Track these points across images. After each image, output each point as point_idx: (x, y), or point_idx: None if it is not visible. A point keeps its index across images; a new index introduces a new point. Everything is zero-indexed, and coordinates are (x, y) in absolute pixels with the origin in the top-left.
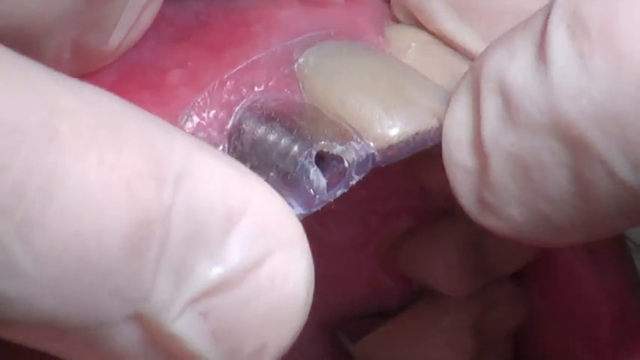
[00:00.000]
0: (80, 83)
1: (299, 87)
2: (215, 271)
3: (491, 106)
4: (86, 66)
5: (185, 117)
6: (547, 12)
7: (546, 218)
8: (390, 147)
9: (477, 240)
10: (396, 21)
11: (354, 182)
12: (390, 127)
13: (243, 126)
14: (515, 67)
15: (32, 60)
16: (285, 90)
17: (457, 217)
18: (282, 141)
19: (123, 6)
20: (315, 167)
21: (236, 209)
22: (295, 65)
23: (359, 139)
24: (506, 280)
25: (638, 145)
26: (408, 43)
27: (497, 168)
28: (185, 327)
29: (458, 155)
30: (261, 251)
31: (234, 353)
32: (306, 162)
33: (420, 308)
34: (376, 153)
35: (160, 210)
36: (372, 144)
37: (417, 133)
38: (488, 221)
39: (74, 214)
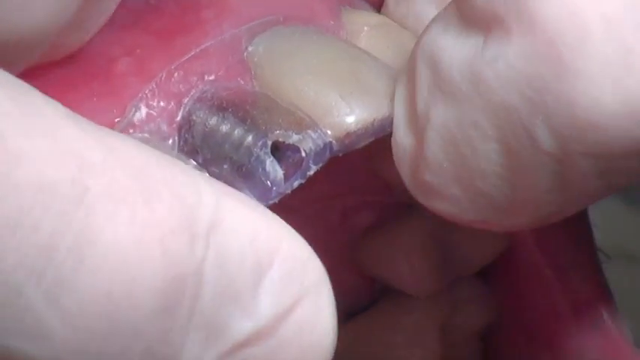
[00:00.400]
0: (100, 127)
1: (251, 75)
2: (246, 326)
3: (424, 79)
4: (47, 59)
5: (133, 109)
6: None
7: (486, 196)
8: (348, 134)
9: (442, 236)
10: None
11: (311, 172)
12: (348, 114)
13: (194, 117)
14: (445, 38)
15: (48, 98)
16: (238, 79)
17: (421, 212)
18: (235, 132)
19: (110, 7)
20: (271, 158)
21: (265, 258)
22: (245, 53)
23: (315, 128)
24: (472, 278)
25: (556, 110)
26: (360, 26)
27: (431, 145)
28: None
29: (398, 135)
30: (290, 300)
31: None
32: (262, 152)
33: (383, 308)
34: (334, 141)
35: (193, 265)
36: (329, 132)
37: (375, 120)
38: (434, 204)
39: (106, 275)
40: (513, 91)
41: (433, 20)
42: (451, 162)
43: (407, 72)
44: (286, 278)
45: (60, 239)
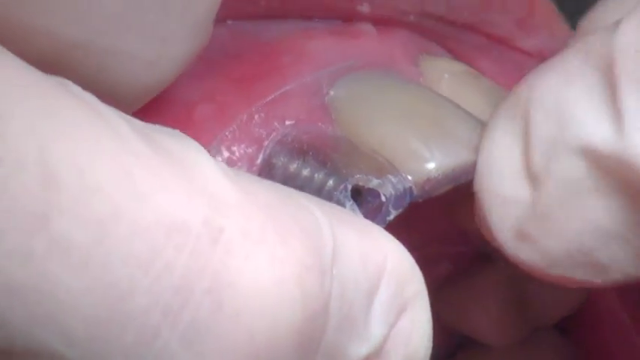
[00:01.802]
0: (228, 168)
1: (331, 119)
2: (362, 351)
3: (543, 131)
4: None
5: (213, 151)
6: (608, 41)
7: (588, 252)
8: (429, 180)
9: (519, 286)
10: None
11: (391, 217)
12: (428, 160)
13: (274, 161)
14: (573, 92)
15: (181, 135)
16: (318, 123)
17: (498, 262)
18: (316, 175)
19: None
20: (352, 202)
21: (375, 278)
22: (326, 97)
23: (396, 173)
24: (550, 329)
25: None
26: (440, 73)
27: (548, 196)
28: None
29: (498, 185)
30: (395, 315)
31: None
32: (342, 196)
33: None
34: (414, 187)
35: (323, 299)
36: (409, 177)
37: (455, 167)
38: (522, 254)
39: (248, 319)
40: None
41: (546, 69)
42: (565, 214)
43: (507, 121)
44: (392, 296)
45: (195, 281)
